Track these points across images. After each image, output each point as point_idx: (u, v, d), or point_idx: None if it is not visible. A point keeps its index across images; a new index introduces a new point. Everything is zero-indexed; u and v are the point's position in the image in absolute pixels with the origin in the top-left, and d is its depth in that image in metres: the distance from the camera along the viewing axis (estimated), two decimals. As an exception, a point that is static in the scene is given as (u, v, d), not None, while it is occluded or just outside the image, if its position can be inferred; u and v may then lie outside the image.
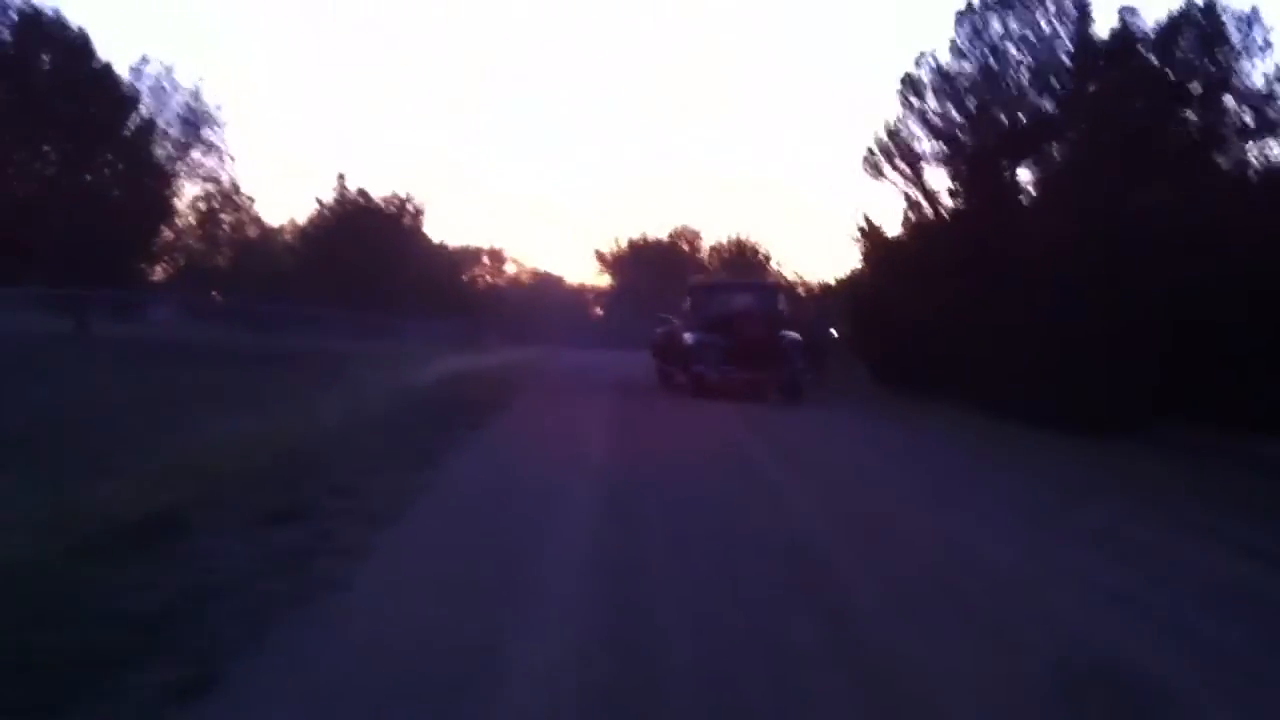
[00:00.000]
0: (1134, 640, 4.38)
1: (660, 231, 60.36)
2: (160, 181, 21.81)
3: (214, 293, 37.60)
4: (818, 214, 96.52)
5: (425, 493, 6.86)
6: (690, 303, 19.07)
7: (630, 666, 3.77)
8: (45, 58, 19.36)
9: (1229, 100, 14.96)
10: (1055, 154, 17.70)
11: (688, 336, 17.52)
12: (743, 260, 51.74)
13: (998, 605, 4.79)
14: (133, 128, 21.01)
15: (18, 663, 3.37)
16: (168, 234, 23.14)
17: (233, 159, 23.41)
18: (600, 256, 61.83)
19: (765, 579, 5.08)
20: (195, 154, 22.19)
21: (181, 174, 22.38)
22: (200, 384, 11.99)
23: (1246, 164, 14.94)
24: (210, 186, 23.32)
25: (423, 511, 6.32)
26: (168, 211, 22.65)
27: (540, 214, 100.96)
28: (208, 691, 3.31)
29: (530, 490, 7.50)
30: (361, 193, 39.44)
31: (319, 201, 41.02)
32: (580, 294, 68.61)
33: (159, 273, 27.16)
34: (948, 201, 20.33)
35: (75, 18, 24.17)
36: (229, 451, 7.13)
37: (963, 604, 4.77)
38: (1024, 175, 18.99)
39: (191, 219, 24.00)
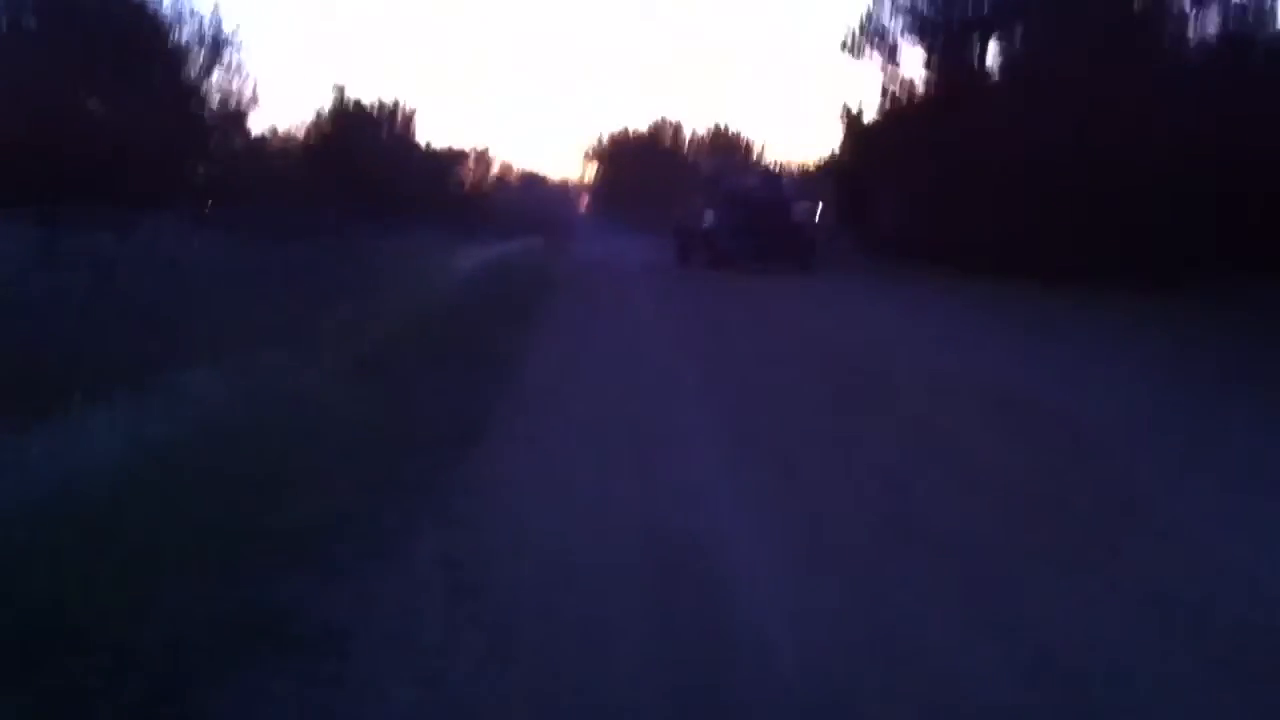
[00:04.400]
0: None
1: (641, 124, 61.21)
2: (195, 105, 23.19)
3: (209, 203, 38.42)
4: (798, 95, 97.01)
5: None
6: (706, 187, 22.29)
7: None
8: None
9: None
10: (1020, 35, 19.29)
11: (707, 216, 20.02)
12: (723, 149, 52.92)
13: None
14: (168, 53, 22.25)
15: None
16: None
17: (254, 79, 24.63)
18: (584, 152, 62.74)
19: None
20: (216, 75, 23.48)
21: (208, 96, 23.65)
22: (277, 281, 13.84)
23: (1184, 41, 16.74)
24: (232, 106, 24.51)
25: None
26: (205, 134, 23.91)
27: (522, 112, 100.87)
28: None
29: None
30: (356, 102, 40.48)
31: (317, 114, 41.84)
32: (564, 189, 69.65)
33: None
34: (921, 87, 21.89)
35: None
36: (371, 322, 9.11)
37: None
38: (993, 56, 20.59)
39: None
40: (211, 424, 4.77)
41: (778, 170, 27.75)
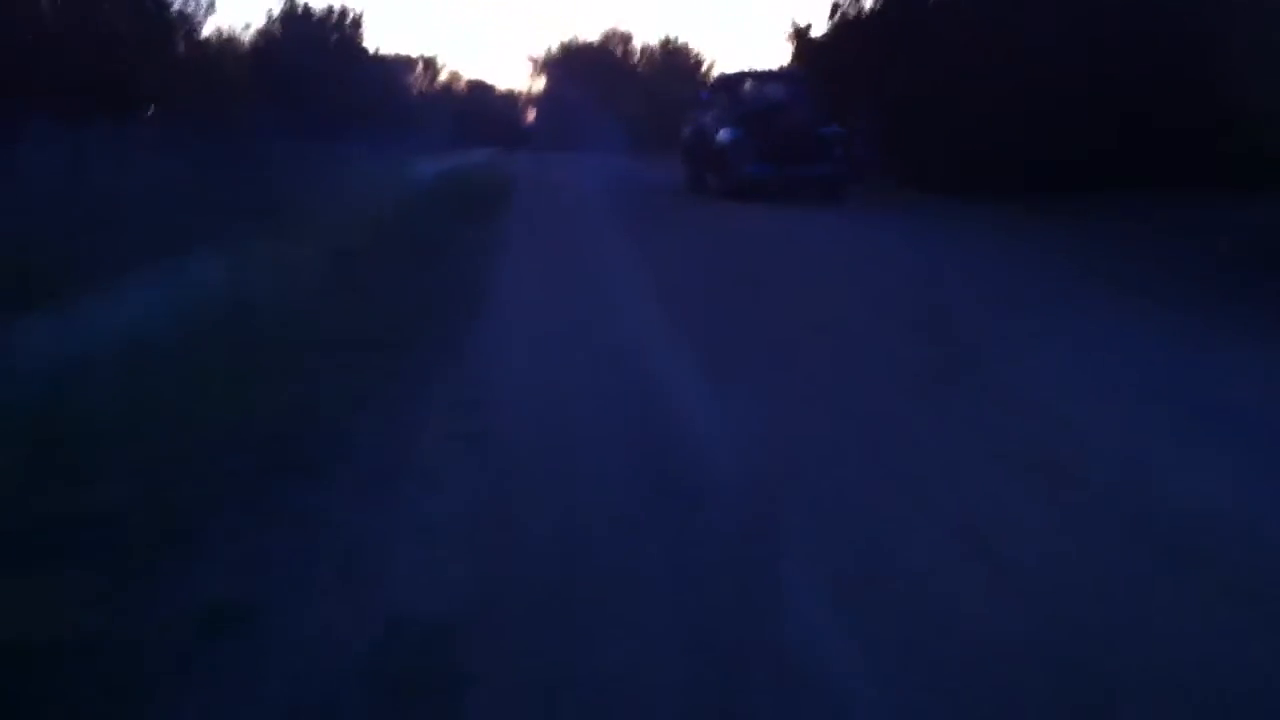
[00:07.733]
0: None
1: (591, 35, 60.82)
2: (151, 5, 22.96)
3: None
4: (746, 13, 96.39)
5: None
6: (719, 98, 18.18)
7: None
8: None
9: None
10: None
11: (722, 134, 16.48)
12: (674, 62, 52.90)
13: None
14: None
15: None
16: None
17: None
18: (532, 61, 62.16)
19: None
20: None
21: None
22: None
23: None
24: (188, 9, 24.20)
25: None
26: (160, 36, 23.65)
27: (470, 19, 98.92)
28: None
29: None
30: (305, 6, 39.76)
31: (269, 15, 41.09)
32: (511, 100, 68.91)
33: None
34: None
35: None
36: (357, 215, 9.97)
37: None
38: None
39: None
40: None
41: (807, 75, 20.23)
